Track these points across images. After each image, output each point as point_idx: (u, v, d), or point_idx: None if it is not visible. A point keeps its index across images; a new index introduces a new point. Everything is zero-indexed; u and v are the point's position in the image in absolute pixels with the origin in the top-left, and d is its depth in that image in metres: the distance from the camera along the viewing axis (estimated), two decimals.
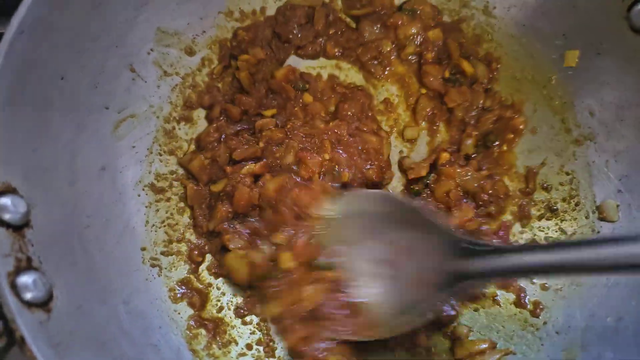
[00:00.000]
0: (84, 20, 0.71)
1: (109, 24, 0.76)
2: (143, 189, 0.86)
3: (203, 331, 0.83)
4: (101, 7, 0.73)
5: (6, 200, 0.60)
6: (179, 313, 0.83)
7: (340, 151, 0.89)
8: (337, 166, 0.89)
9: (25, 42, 0.63)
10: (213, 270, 0.87)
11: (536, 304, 0.88)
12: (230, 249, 0.83)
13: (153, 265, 0.84)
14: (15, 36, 0.61)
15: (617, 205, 0.86)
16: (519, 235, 0.92)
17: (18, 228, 0.61)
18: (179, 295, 0.84)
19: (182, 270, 0.86)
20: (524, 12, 0.92)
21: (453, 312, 0.87)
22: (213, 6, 0.90)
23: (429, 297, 0.74)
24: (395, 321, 0.77)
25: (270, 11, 0.94)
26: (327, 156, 0.88)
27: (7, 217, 0.60)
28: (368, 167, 0.90)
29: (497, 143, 0.92)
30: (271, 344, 0.85)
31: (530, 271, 0.68)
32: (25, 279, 0.59)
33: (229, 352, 0.83)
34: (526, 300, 0.88)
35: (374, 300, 0.78)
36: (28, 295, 0.59)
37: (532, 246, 0.81)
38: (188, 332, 0.82)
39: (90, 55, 0.74)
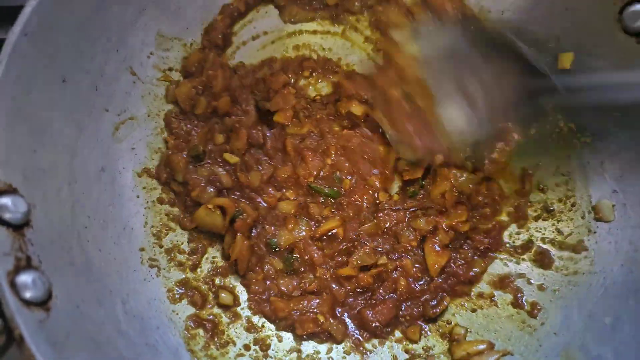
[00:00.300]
0: (86, 24, 0.73)
1: (110, 27, 0.77)
2: (142, 190, 0.86)
3: (201, 331, 0.83)
4: (102, 12, 0.75)
5: (7, 200, 0.61)
6: (177, 313, 0.83)
7: (344, 158, 0.91)
8: (338, 172, 0.90)
9: (29, 45, 0.64)
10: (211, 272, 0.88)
11: (533, 304, 0.88)
12: (202, 202, 0.85)
13: (152, 266, 0.84)
14: (19, 39, 0.63)
15: (613, 205, 0.86)
16: (516, 236, 0.92)
17: (18, 227, 0.61)
18: (177, 296, 0.84)
19: (181, 271, 0.87)
20: (517, 16, 0.92)
21: (446, 303, 0.88)
22: (211, 11, 0.91)
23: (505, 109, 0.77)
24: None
25: None
26: (329, 161, 0.90)
27: (7, 216, 0.60)
28: (372, 173, 0.91)
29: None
30: (268, 340, 0.85)
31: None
32: (25, 278, 0.60)
33: (227, 353, 0.83)
34: (523, 301, 0.88)
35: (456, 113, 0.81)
36: (27, 294, 0.59)
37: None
38: (186, 333, 0.82)
39: (91, 58, 0.75)
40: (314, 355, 0.85)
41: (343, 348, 0.86)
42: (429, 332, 0.88)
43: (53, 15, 0.67)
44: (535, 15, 0.90)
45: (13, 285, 0.58)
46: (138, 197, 0.86)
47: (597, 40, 0.85)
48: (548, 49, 0.90)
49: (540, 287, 0.89)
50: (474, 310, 0.89)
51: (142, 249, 0.84)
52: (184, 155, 0.87)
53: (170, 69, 0.90)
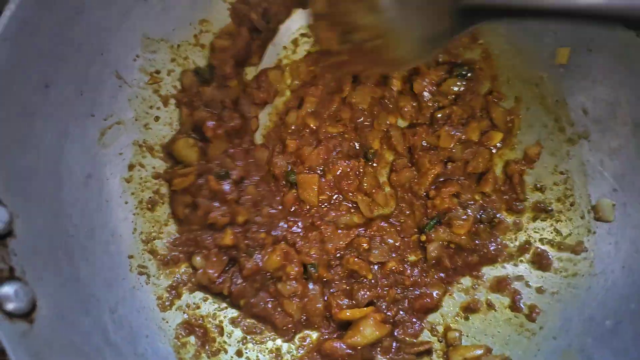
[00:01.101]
0: (67, 27, 0.71)
1: (93, 30, 0.76)
2: (130, 196, 0.85)
3: (192, 339, 0.82)
4: (85, 14, 0.73)
5: None
6: (167, 321, 0.82)
7: None
8: None
9: (9, 49, 0.63)
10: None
11: (532, 307, 0.86)
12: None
13: (141, 273, 0.83)
14: None
15: (613, 205, 0.84)
16: (513, 238, 0.90)
17: (0, 238, 0.60)
18: (167, 303, 0.83)
19: (170, 277, 0.85)
20: None
21: (436, 295, 0.86)
22: (197, 12, 0.90)
23: (442, 27, 0.72)
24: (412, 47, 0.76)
25: None
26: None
27: None
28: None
29: None
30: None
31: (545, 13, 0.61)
32: (7, 289, 0.59)
33: None
34: (521, 304, 0.86)
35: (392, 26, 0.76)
36: (10, 306, 0.58)
37: None
38: (176, 341, 0.81)
39: (75, 62, 0.74)
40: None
41: None
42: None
43: (33, 19, 0.65)
44: None
45: None
46: (126, 203, 0.84)
47: (594, 34, 0.83)
48: (545, 44, 0.88)
49: (539, 290, 0.87)
50: (472, 313, 0.88)
51: (131, 256, 0.83)
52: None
53: (158, 72, 0.88)
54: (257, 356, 0.84)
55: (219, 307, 0.86)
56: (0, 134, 0.63)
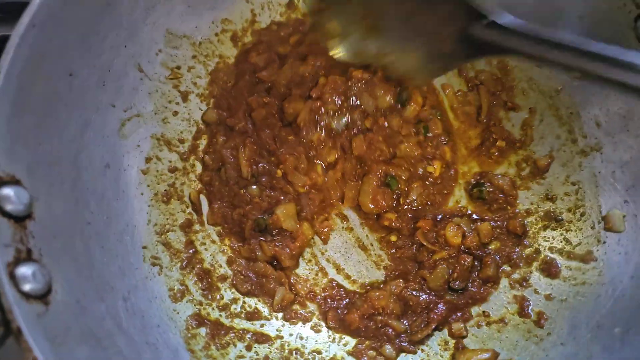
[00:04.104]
0: (95, 18, 0.72)
1: (119, 23, 0.77)
2: (147, 188, 0.86)
3: (202, 331, 0.83)
4: (112, 7, 0.74)
5: (9, 191, 0.60)
6: (178, 312, 0.83)
7: None
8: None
9: (36, 36, 0.63)
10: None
11: (540, 314, 0.86)
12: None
13: (154, 264, 0.83)
14: (27, 29, 0.62)
15: (624, 216, 0.85)
16: (523, 244, 0.91)
17: (20, 219, 0.61)
18: (178, 295, 0.84)
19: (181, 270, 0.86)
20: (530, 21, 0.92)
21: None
22: (220, 11, 0.92)
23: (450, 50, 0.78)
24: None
25: None
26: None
27: (9, 207, 0.60)
28: None
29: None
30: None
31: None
32: (25, 270, 0.59)
33: (227, 354, 0.82)
34: (530, 310, 0.87)
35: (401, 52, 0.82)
36: (27, 287, 0.58)
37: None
38: (186, 332, 0.82)
39: (99, 53, 0.75)
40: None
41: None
42: (431, 339, 0.87)
43: (63, 7, 0.66)
44: (548, 23, 0.90)
45: (12, 277, 0.57)
46: (142, 194, 0.85)
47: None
48: None
49: (548, 297, 0.87)
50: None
51: (144, 247, 0.83)
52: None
53: (178, 67, 0.89)
54: (266, 351, 0.84)
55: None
56: (26, 119, 0.64)
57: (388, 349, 0.85)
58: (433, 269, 0.88)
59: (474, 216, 0.93)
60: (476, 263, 0.90)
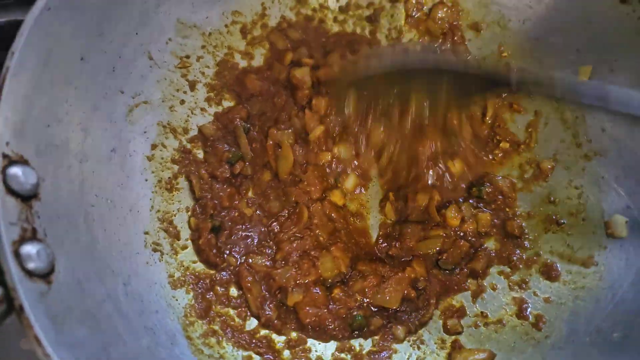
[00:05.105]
0: (108, 4, 0.73)
1: (131, 11, 0.78)
2: (151, 174, 0.87)
3: (200, 320, 0.83)
4: None
5: (17, 170, 0.61)
6: (177, 299, 0.83)
7: None
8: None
9: (50, 19, 0.64)
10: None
11: (539, 317, 0.86)
12: None
13: (155, 250, 0.84)
14: (42, 12, 0.63)
15: (626, 221, 0.85)
16: (523, 247, 0.91)
17: (26, 199, 0.62)
18: (178, 283, 0.84)
19: (183, 256, 0.87)
20: (538, 26, 0.92)
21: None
22: (231, 3, 0.92)
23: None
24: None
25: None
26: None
27: (17, 186, 0.60)
28: None
29: None
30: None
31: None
32: (29, 248, 0.60)
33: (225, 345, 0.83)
34: (528, 313, 0.87)
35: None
36: (30, 265, 0.59)
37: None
38: (185, 319, 0.82)
39: (111, 39, 0.76)
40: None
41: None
42: (428, 337, 0.87)
43: None
44: (555, 27, 0.90)
45: (17, 255, 0.58)
46: (147, 180, 0.86)
47: (618, 54, 0.84)
48: (568, 61, 0.89)
49: (547, 300, 0.87)
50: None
51: (146, 233, 0.84)
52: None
53: (187, 57, 0.90)
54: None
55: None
56: (38, 101, 0.65)
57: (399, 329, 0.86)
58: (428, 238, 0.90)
59: (477, 205, 0.94)
60: (472, 250, 0.91)
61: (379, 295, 0.86)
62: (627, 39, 0.82)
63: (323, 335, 0.86)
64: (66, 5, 0.66)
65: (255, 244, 0.89)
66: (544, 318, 0.86)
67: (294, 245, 0.88)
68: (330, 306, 0.86)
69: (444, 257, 0.90)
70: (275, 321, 0.86)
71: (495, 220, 0.93)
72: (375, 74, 0.86)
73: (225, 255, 0.88)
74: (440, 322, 0.88)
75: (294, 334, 0.86)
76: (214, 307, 0.85)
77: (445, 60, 0.85)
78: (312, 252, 0.88)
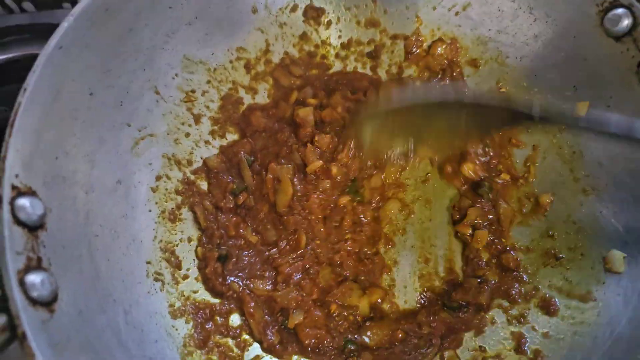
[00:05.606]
0: (117, 42, 0.77)
1: (139, 48, 0.81)
2: (155, 205, 0.89)
3: (198, 350, 0.84)
4: (133, 32, 0.79)
5: (25, 201, 0.63)
6: (177, 329, 0.84)
7: None
8: None
9: (62, 58, 0.68)
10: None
11: (537, 352, 0.86)
12: None
13: (156, 280, 0.85)
14: (54, 51, 0.66)
15: (624, 257, 0.85)
16: (522, 281, 0.91)
17: (33, 229, 0.63)
18: (178, 313, 0.85)
19: (184, 286, 0.88)
20: (535, 63, 0.94)
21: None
22: (236, 40, 0.96)
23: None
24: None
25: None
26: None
27: (24, 217, 0.62)
28: None
29: None
30: None
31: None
32: (34, 277, 0.61)
33: None
34: (526, 348, 0.86)
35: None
36: (34, 293, 0.60)
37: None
38: (183, 349, 0.83)
39: (119, 75, 0.79)
40: None
41: None
42: None
43: (88, 31, 0.71)
44: (552, 63, 0.92)
45: (22, 283, 0.59)
46: (150, 211, 0.88)
47: (614, 91, 0.85)
48: (565, 98, 0.91)
49: (545, 335, 0.87)
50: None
51: (149, 262, 0.85)
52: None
53: (193, 91, 0.93)
54: None
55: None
56: (47, 135, 0.67)
57: None
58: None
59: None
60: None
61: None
62: (621, 77, 0.83)
63: (322, 358, 0.86)
64: (77, 43, 0.70)
65: (257, 268, 0.91)
66: (542, 353, 0.85)
67: (294, 266, 0.90)
68: (329, 326, 0.87)
69: (453, 297, 0.90)
70: (277, 346, 0.86)
71: (492, 237, 0.94)
72: (395, 109, 0.88)
73: (228, 282, 0.89)
74: (437, 356, 0.88)
75: (294, 358, 0.86)
76: (212, 337, 0.86)
77: (468, 94, 0.87)
78: (311, 270, 0.90)
